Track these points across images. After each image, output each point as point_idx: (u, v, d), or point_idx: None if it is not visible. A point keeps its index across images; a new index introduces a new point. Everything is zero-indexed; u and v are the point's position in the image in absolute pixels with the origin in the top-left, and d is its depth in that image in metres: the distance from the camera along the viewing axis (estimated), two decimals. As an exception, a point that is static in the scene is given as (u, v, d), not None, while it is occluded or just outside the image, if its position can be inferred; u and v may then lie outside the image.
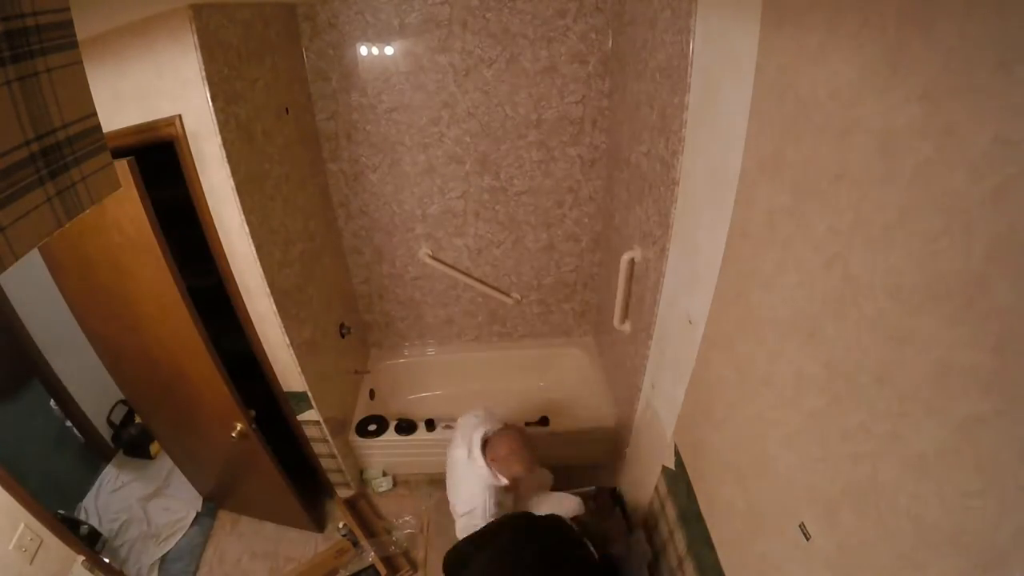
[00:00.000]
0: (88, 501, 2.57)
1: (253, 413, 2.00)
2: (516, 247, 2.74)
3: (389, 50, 2.20)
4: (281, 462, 2.20)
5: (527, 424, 2.54)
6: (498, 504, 1.81)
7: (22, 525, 1.50)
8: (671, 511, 1.78)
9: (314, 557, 2.41)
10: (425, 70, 2.23)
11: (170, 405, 2.14)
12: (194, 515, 2.65)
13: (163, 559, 2.47)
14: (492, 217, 2.63)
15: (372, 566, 2.32)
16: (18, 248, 0.52)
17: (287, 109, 1.99)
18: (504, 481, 1.80)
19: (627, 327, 2.18)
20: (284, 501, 2.38)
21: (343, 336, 2.59)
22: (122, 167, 1.42)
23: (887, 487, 0.78)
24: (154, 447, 2.87)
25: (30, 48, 0.52)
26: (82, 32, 0.62)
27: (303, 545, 2.52)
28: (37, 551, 1.53)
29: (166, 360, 1.89)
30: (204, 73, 1.44)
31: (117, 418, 2.88)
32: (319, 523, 2.56)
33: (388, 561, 2.36)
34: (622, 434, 2.43)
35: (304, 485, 2.45)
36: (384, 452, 2.63)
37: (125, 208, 1.49)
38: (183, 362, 1.85)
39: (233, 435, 1.97)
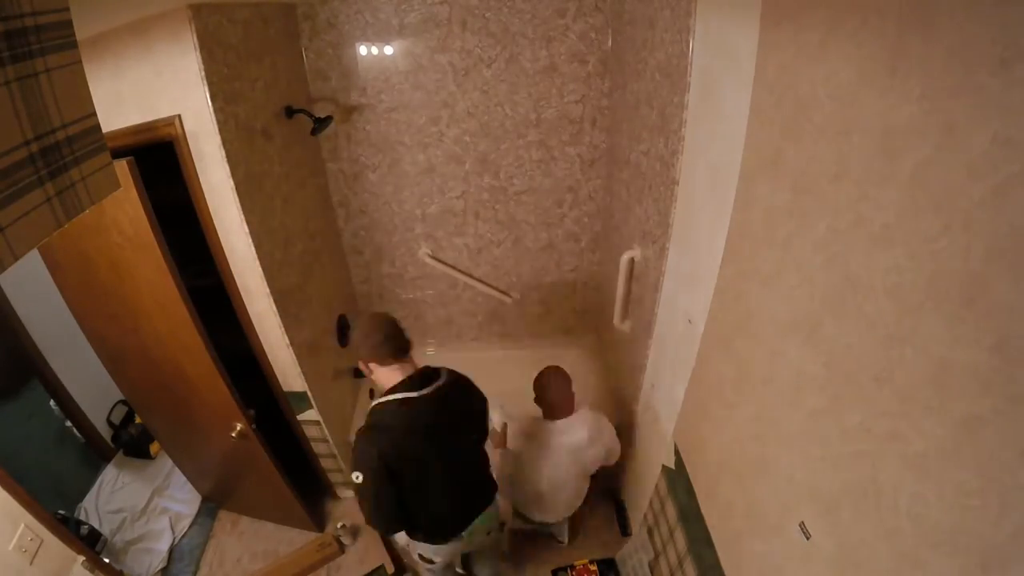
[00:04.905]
0: (88, 501, 2.57)
1: (253, 413, 2.00)
2: (516, 247, 2.74)
3: (388, 50, 2.20)
4: (281, 462, 2.20)
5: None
6: None
7: (22, 525, 1.50)
8: (671, 510, 1.78)
9: (293, 552, 2.41)
10: (424, 70, 2.23)
11: (170, 405, 2.14)
12: (194, 515, 2.65)
13: (163, 559, 2.47)
14: (492, 217, 2.63)
15: (382, 566, 2.32)
16: (18, 248, 0.52)
17: (287, 109, 1.98)
18: None
19: (627, 327, 2.18)
20: (284, 501, 2.38)
21: (345, 337, 2.59)
22: (121, 167, 1.42)
23: (887, 486, 0.78)
24: (154, 447, 2.87)
25: (29, 48, 0.52)
26: (81, 32, 0.62)
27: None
28: (37, 551, 1.53)
29: (166, 360, 1.88)
30: (203, 73, 1.44)
31: (117, 418, 2.88)
32: (319, 523, 2.56)
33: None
34: (622, 434, 2.43)
35: (304, 485, 2.45)
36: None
37: (124, 208, 1.49)
38: (183, 362, 1.85)
39: (233, 435, 1.97)
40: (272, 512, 2.58)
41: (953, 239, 0.64)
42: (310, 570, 2.37)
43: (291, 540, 2.54)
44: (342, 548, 2.46)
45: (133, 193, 1.46)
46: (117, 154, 1.13)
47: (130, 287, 1.70)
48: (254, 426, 2.01)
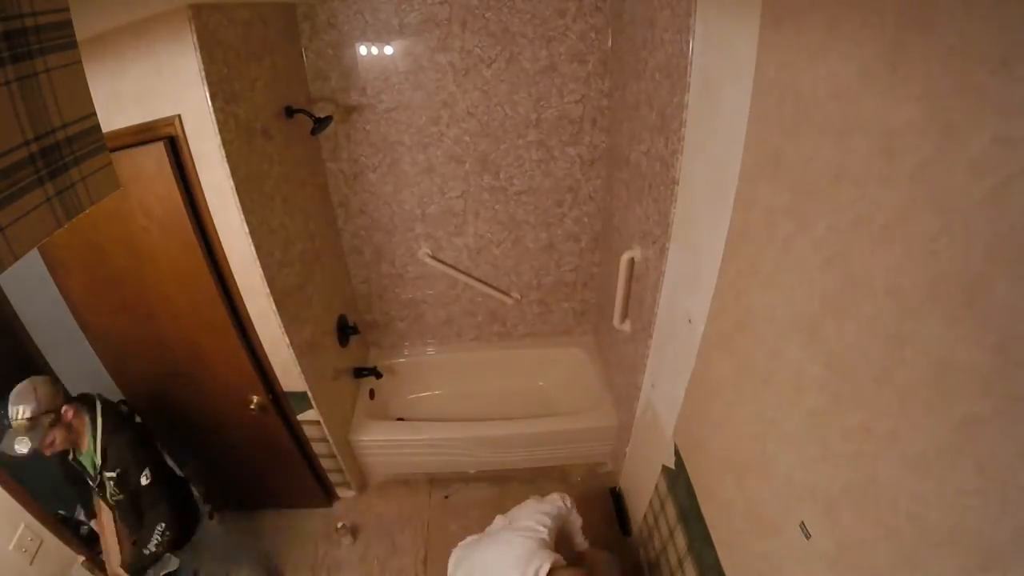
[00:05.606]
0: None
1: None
2: (516, 247, 2.74)
3: (388, 50, 2.20)
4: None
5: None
6: None
7: (22, 525, 1.51)
8: (671, 510, 1.78)
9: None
10: (424, 69, 2.23)
11: (177, 397, 2.16)
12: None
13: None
14: (492, 217, 2.64)
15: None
16: (18, 248, 0.52)
17: (287, 109, 1.98)
18: None
19: (627, 327, 2.18)
20: (295, 476, 2.44)
21: (345, 337, 2.59)
22: (158, 149, 1.52)
23: (887, 486, 0.78)
24: (154, 447, 2.87)
25: (29, 48, 0.52)
26: (81, 32, 0.62)
27: (302, 547, 2.52)
28: (37, 551, 1.53)
29: (181, 343, 1.94)
30: (203, 73, 1.44)
31: (117, 418, 2.88)
32: (329, 495, 2.63)
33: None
34: (622, 433, 2.43)
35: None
36: (384, 451, 2.63)
37: (155, 190, 1.58)
38: (201, 341, 1.92)
39: (252, 407, 2.06)
40: (280, 495, 2.60)
41: (953, 239, 0.64)
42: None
43: (290, 539, 2.54)
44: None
45: (168, 172, 1.54)
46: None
47: (150, 271, 1.76)
48: (271, 396, 2.08)
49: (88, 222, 1.36)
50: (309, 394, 2.14)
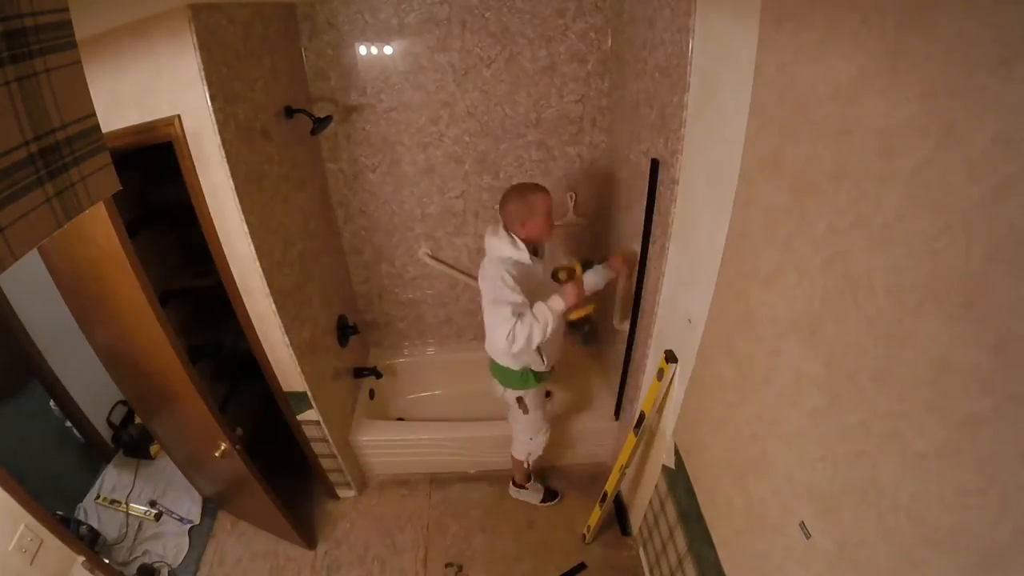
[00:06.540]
0: (88, 501, 2.57)
1: (239, 431, 1.93)
2: (516, 247, 2.74)
3: (388, 49, 2.20)
4: (278, 466, 2.16)
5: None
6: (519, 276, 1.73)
7: (22, 526, 1.50)
8: (671, 510, 1.78)
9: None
10: (424, 69, 2.23)
11: (165, 411, 2.13)
12: (194, 515, 2.65)
13: (163, 559, 2.46)
14: (492, 217, 2.63)
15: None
16: (17, 248, 0.51)
17: (287, 109, 1.98)
18: (522, 249, 1.74)
19: (627, 327, 2.18)
20: (274, 516, 2.31)
21: (345, 337, 2.59)
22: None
23: (887, 486, 0.78)
24: (154, 447, 2.87)
25: (29, 48, 0.52)
26: (81, 32, 0.62)
27: (302, 546, 2.51)
28: (37, 551, 1.53)
29: (154, 372, 1.83)
30: (203, 73, 1.44)
31: (117, 418, 2.88)
32: (309, 540, 2.47)
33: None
34: (622, 434, 2.43)
35: (303, 485, 2.42)
36: (384, 451, 2.63)
37: (97, 222, 1.43)
38: (167, 376, 1.77)
39: (217, 454, 1.90)
40: (265, 523, 2.54)
41: (953, 239, 0.64)
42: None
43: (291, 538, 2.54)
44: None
45: (102, 208, 1.38)
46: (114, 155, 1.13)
47: (113, 300, 1.65)
48: (239, 446, 1.91)
49: (64, 242, 1.23)
50: (309, 394, 2.14)
